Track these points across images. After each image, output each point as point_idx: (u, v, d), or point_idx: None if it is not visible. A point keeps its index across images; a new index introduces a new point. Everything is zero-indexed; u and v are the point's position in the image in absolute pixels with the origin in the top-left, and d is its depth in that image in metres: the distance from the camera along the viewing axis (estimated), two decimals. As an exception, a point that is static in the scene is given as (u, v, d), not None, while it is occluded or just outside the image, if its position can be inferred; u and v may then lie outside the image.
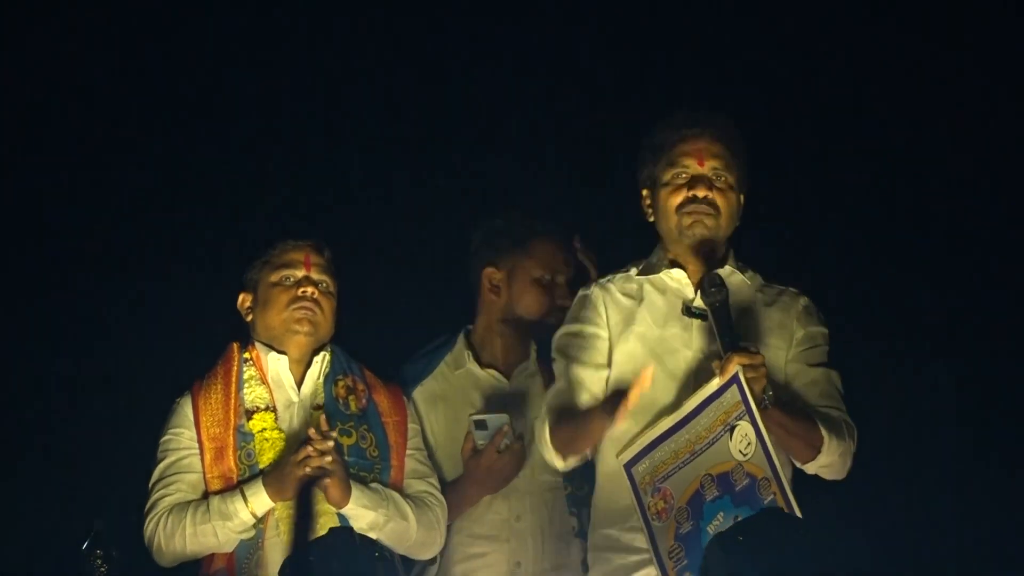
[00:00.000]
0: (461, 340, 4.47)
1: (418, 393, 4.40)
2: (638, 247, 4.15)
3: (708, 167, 3.96)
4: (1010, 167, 5.03)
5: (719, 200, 3.96)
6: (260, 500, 4.01)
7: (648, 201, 4.05)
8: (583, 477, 4.21)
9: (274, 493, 4.01)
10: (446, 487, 4.25)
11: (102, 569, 3.77)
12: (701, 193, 3.95)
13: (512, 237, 4.43)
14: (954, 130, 5.03)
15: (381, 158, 5.24)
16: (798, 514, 3.61)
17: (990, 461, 4.93)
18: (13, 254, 5.04)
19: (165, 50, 5.15)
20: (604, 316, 4.02)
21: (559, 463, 3.99)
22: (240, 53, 5.15)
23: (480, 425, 4.23)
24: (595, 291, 4.06)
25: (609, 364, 3.99)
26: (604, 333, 4.01)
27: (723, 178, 3.97)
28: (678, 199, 3.97)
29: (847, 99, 5.13)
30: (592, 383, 3.97)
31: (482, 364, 4.42)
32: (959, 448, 4.98)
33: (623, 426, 3.86)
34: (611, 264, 4.22)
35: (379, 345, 4.59)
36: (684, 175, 3.97)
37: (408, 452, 4.21)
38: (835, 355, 4.04)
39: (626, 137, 4.39)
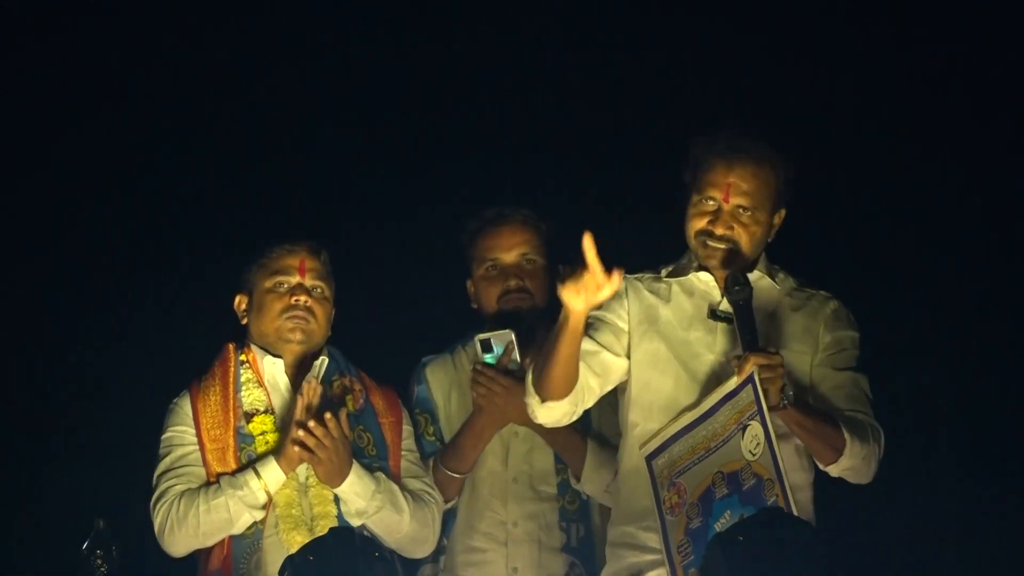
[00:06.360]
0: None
1: (433, 373, 4.42)
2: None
3: (733, 204, 3.92)
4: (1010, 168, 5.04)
5: (740, 234, 3.93)
6: (271, 471, 4.03)
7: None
8: (576, 492, 4.27)
9: (283, 462, 4.03)
10: (456, 437, 4.27)
11: (102, 569, 3.76)
12: (719, 231, 3.93)
13: (467, 249, 4.45)
14: (951, 132, 5.03)
15: (391, 157, 5.24)
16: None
17: (987, 468, 4.94)
18: (14, 254, 5.04)
19: (164, 50, 5.16)
20: (626, 307, 4.03)
21: (537, 407, 3.91)
22: (239, 53, 5.15)
23: (486, 346, 4.25)
24: (622, 284, 3.96)
25: (627, 355, 3.99)
26: (623, 324, 4.02)
27: (748, 214, 3.94)
28: (699, 225, 3.96)
29: (850, 97, 5.13)
30: (588, 355, 3.93)
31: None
32: (955, 455, 5.00)
33: (647, 425, 3.92)
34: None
35: (381, 348, 4.61)
36: (710, 203, 3.95)
37: (402, 453, 4.23)
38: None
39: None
